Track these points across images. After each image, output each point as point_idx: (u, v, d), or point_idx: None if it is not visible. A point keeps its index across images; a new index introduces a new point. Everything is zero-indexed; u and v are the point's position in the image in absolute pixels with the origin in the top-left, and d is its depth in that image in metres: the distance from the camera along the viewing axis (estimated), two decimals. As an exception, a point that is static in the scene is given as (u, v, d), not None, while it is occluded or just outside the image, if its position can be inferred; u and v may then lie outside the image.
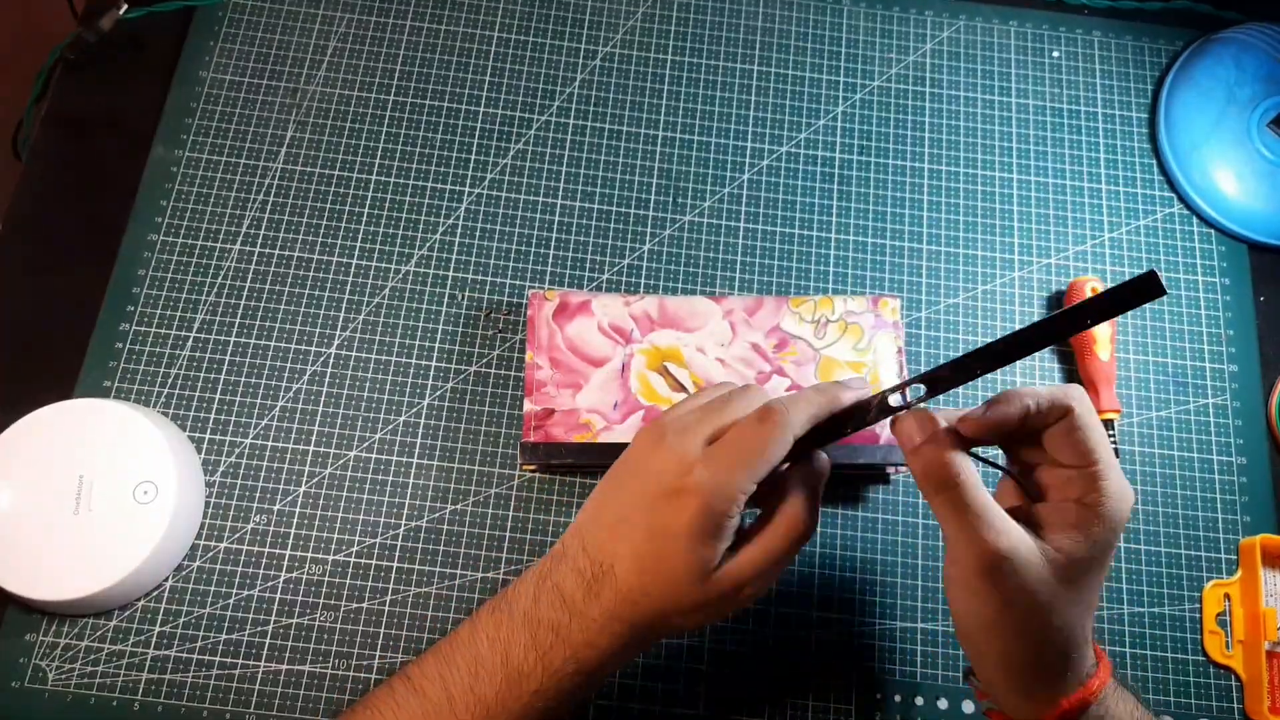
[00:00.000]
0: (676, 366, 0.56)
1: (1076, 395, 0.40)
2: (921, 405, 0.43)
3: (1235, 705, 0.55)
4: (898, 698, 0.54)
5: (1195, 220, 0.65)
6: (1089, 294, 0.59)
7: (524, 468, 0.57)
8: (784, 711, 0.54)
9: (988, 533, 0.38)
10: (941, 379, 0.42)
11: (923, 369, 0.58)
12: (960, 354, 0.44)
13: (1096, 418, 0.41)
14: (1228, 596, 0.57)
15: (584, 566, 0.43)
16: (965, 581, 0.40)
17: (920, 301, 0.62)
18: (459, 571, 0.56)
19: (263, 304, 0.60)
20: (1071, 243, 0.64)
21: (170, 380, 0.58)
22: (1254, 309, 0.63)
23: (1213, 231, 0.65)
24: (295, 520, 0.56)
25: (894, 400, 0.43)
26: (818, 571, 0.57)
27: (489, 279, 0.61)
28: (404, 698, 0.43)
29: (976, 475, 0.40)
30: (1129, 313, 0.62)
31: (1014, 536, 0.39)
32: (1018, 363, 0.61)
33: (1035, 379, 0.61)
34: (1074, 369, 0.61)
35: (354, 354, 0.59)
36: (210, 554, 0.55)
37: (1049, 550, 0.39)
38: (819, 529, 0.57)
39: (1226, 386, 0.61)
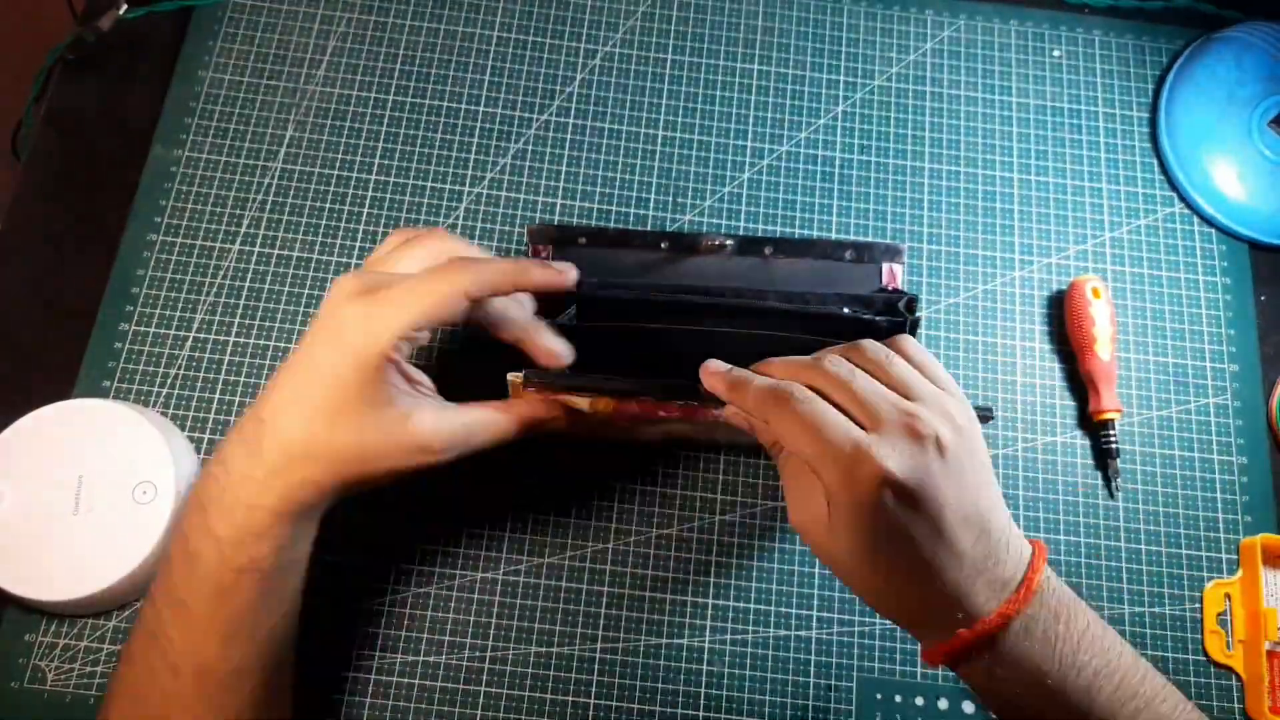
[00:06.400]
0: None
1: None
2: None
3: (1236, 705, 0.55)
4: (898, 698, 0.54)
5: (1196, 219, 0.65)
6: (1089, 294, 0.59)
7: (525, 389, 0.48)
8: (784, 712, 0.54)
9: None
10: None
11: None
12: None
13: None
14: (1228, 596, 0.57)
15: (248, 428, 0.41)
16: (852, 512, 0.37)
17: (920, 301, 0.62)
18: (459, 571, 0.56)
19: (263, 304, 0.60)
20: (1072, 242, 0.64)
21: (170, 380, 0.58)
22: (1254, 308, 0.63)
23: (1213, 231, 0.65)
24: (295, 520, 0.56)
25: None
26: (818, 572, 0.56)
27: (489, 279, 0.61)
28: (135, 626, 0.43)
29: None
30: (1128, 313, 0.62)
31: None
32: (1018, 363, 0.61)
33: (1035, 378, 0.61)
34: (1074, 369, 0.61)
35: (354, 354, 0.59)
36: (210, 554, 0.55)
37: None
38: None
39: (1227, 386, 0.61)
